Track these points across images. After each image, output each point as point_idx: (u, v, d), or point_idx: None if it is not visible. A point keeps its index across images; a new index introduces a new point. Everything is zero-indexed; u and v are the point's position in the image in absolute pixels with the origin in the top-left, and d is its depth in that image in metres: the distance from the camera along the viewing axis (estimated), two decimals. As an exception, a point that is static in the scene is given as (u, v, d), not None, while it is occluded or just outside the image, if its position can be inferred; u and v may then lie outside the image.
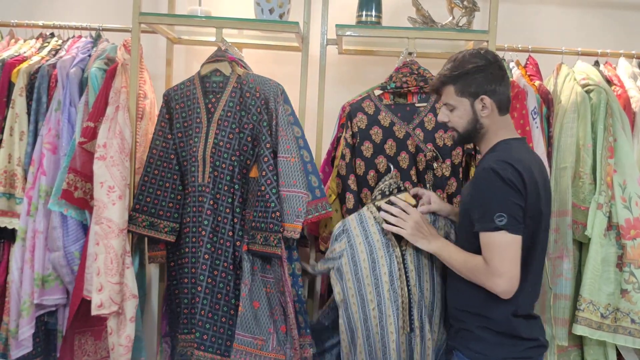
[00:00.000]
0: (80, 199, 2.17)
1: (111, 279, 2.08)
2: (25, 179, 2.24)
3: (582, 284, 2.14)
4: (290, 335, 2.08)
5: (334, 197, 2.19)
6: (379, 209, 1.93)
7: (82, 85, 2.28)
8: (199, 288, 2.09)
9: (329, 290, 2.29)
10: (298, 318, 2.10)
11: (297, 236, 2.09)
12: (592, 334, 2.13)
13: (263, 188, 2.06)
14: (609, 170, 2.18)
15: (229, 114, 2.18)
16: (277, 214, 2.04)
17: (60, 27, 2.49)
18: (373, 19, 2.35)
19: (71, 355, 2.24)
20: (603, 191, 2.17)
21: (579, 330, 2.11)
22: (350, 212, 2.13)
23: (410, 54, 2.25)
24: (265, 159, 2.09)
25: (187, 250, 2.17)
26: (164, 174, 2.20)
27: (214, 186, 2.15)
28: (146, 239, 2.32)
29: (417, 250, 1.90)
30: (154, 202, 2.19)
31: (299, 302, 2.10)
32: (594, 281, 2.12)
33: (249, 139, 2.16)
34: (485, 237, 1.65)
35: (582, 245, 2.24)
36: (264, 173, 2.08)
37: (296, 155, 2.11)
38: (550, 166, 2.26)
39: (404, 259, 1.91)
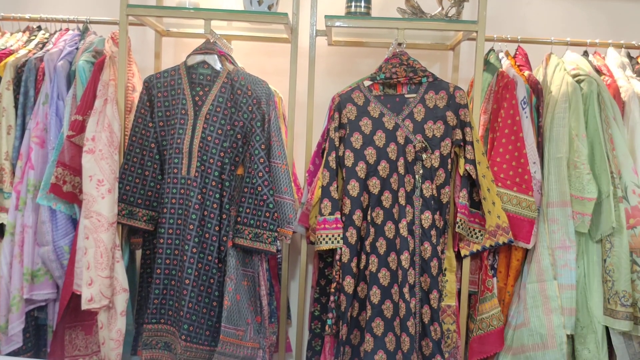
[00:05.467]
0: (69, 193, 2.16)
1: (101, 273, 2.08)
2: (14, 173, 2.22)
3: (617, 278, 2.15)
4: (263, 325, 2.19)
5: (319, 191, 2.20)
6: None
7: (70, 78, 2.27)
8: (187, 281, 2.09)
9: (319, 282, 2.30)
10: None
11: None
12: (636, 330, 2.15)
13: (260, 189, 2.09)
14: (617, 163, 2.19)
15: (218, 109, 2.17)
16: (276, 215, 2.11)
17: (48, 20, 2.48)
18: (362, 9, 2.34)
19: (62, 350, 2.23)
20: (619, 184, 2.18)
21: (627, 326, 2.14)
22: (335, 203, 2.13)
23: (399, 44, 2.24)
24: (262, 160, 2.11)
25: (162, 241, 2.16)
26: (143, 162, 2.20)
27: (201, 180, 2.14)
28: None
29: None
30: (132, 190, 2.19)
31: (270, 294, 2.23)
32: (628, 274, 2.15)
33: (239, 136, 2.16)
34: None
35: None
36: (260, 174, 2.09)
37: (286, 162, 2.21)
38: (541, 156, 2.27)
39: None
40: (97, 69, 2.21)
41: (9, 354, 2.17)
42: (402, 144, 2.16)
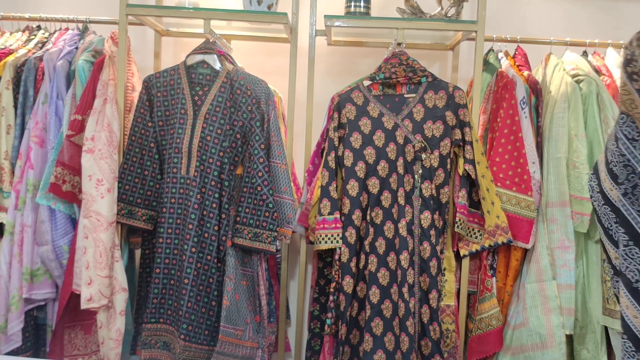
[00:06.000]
0: (68, 193, 2.16)
1: (100, 273, 2.08)
2: (13, 172, 2.22)
3: None
4: (262, 324, 2.19)
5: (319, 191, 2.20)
6: None
7: (70, 77, 2.27)
8: (186, 281, 2.09)
9: (319, 282, 2.30)
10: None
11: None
12: None
13: (259, 188, 2.09)
14: None
15: (217, 108, 2.17)
16: (275, 215, 2.10)
17: (47, 20, 2.48)
18: (362, 9, 2.34)
19: (61, 349, 2.23)
20: None
21: None
22: (334, 203, 2.14)
23: (399, 44, 2.24)
24: (261, 160, 2.10)
25: (161, 240, 2.16)
26: (142, 162, 2.20)
27: (200, 180, 2.14)
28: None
29: None
30: (132, 190, 2.20)
31: (269, 294, 2.24)
32: None
33: (238, 135, 2.16)
34: None
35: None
36: (260, 174, 2.09)
37: (285, 162, 2.20)
38: (540, 156, 2.27)
39: None
40: (96, 68, 2.21)
41: (8, 354, 2.16)
42: (401, 143, 2.16)
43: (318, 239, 2.13)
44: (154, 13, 2.34)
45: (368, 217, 2.15)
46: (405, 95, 2.21)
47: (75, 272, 2.12)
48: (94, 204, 2.08)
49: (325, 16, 2.27)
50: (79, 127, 2.16)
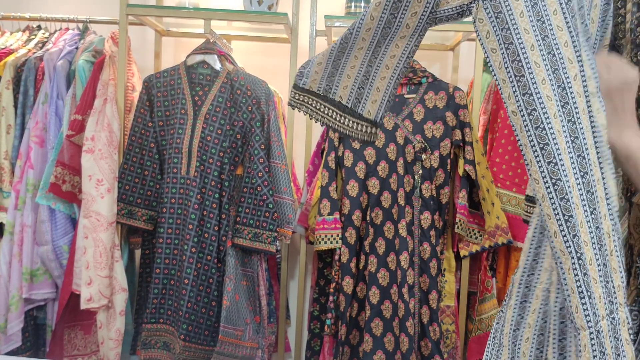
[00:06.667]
0: (68, 193, 2.16)
1: (100, 273, 2.08)
2: (13, 172, 2.22)
3: None
4: (262, 325, 2.20)
5: (319, 192, 2.20)
6: None
7: (70, 77, 2.27)
8: (186, 281, 2.10)
9: (318, 282, 2.30)
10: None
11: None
12: None
13: (259, 189, 2.09)
14: None
15: (217, 109, 2.17)
16: (275, 215, 2.11)
17: (47, 20, 2.47)
18: (362, 9, 2.34)
19: (61, 349, 2.23)
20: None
21: None
22: (334, 203, 2.14)
23: (399, 45, 2.24)
24: (261, 160, 2.11)
25: (161, 241, 2.16)
26: (142, 162, 2.20)
27: (200, 180, 2.14)
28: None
29: None
30: (132, 190, 2.20)
31: (269, 294, 2.28)
32: None
33: (239, 136, 2.16)
34: None
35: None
36: (260, 174, 2.09)
37: (285, 162, 2.21)
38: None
39: None
40: (96, 68, 2.21)
41: (8, 354, 2.17)
42: (401, 144, 2.16)
43: (318, 239, 2.13)
44: (154, 13, 2.34)
45: (368, 218, 2.15)
46: (406, 96, 2.21)
47: (75, 272, 2.12)
48: (94, 204, 2.08)
49: (326, 16, 2.27)
50: (79, 127, 2.16)
